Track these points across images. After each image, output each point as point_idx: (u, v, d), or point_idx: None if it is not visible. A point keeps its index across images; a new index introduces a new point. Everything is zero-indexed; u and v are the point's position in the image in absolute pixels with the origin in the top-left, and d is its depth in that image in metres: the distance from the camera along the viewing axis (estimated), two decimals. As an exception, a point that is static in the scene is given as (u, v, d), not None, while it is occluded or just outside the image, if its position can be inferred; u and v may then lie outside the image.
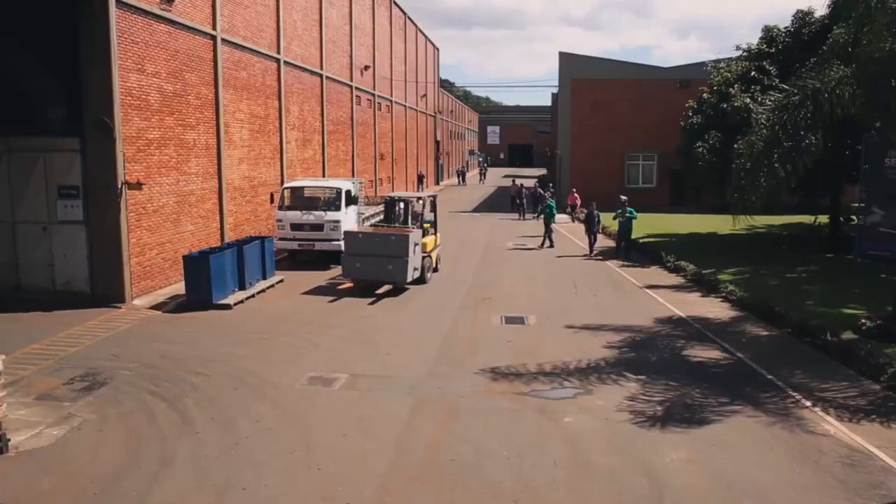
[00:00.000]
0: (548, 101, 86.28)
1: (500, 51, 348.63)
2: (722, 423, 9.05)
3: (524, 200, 35.93)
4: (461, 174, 68.46)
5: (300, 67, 26.33)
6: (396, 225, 18.68)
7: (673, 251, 22.12)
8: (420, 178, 51.43)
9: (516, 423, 9.08)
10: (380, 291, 16.90)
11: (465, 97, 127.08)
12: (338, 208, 20.19)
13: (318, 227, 19.97)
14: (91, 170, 15.19)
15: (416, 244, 17.24)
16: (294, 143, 25.92)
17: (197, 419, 9.12)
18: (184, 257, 15.92)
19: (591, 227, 23.12)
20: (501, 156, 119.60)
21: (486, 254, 23.95)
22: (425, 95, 56.20)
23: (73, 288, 15.50)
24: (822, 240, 23.65)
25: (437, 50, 63.72)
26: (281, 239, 20.19)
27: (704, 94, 24.01)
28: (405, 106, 47.85)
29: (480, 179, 71.83)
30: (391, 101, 43.29)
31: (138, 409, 9.44)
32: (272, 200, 20.59)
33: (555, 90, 66.23)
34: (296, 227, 20.07)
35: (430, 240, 18.85)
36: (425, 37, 56.84)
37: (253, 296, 16.35)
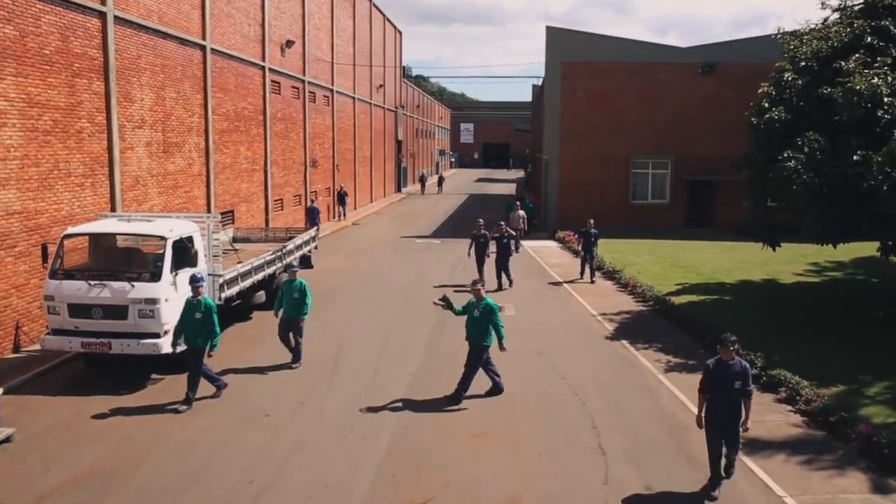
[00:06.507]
0: (527, 97, 77.01)
1: (480, 47, 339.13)
2: None
3: (511, 241, 19.87)
4: (422, 180, 56.34)
5: (157, 31, 17.03)
6: None
7: (733, 322, 13.63)
8: (341, 198, 34.36)
9: None
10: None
11: (440, 93, 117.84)
12: (157, 275, 10.84)
13: (116, 310, 10.60)
14: None
15: None
16: (143, 149, 16.60)
17: None
18: None
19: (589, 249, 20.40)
20: (476, 156, 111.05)
21: (430, 348, 13.46)
22: (382, 86, 46.70)
23: None
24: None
25: (400, 33, 54.36)
26: (54, 332, 10.85)
27: (788, 75, 15.02)
28: (354, 98, 38.38)
29: (438, 189, 57.32)
30: (332, 90, 33.85)
31: None
32: (45, 259, 11.42)
33: (538, 80, 57.15)
34: (78, 310, 10.69)
35: None
36: (383, 16, 47.47)
37: None
